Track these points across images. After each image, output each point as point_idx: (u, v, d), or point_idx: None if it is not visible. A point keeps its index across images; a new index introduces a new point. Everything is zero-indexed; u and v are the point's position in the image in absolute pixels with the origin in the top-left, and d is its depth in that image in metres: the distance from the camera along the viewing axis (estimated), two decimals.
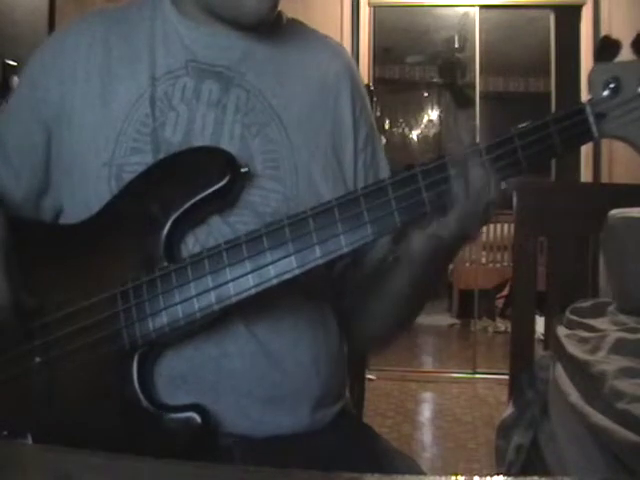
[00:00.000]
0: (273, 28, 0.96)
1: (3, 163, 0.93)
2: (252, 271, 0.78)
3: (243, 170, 0.84)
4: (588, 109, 0.78)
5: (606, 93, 0.78)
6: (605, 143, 3.70)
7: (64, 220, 0.92)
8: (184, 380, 0.83)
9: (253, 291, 0.78)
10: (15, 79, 2.65)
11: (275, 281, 0.78)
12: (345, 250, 0.78)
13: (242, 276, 0.78)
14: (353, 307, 0.98)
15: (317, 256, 0.78)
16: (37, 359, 0.81)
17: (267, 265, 0.78)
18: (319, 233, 0.78)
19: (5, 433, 0.80)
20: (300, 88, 0.94)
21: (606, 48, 0.80)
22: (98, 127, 0.88)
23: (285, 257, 0.78)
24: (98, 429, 0.81)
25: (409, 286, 0.89)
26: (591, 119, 0.77)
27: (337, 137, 0.95)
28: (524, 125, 0.78)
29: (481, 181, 0.77)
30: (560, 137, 0.77)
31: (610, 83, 0.78)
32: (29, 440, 0.80)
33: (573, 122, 0.78)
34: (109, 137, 0.87)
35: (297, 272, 0.78)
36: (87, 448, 0.63)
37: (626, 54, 0.79)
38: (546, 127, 0.77)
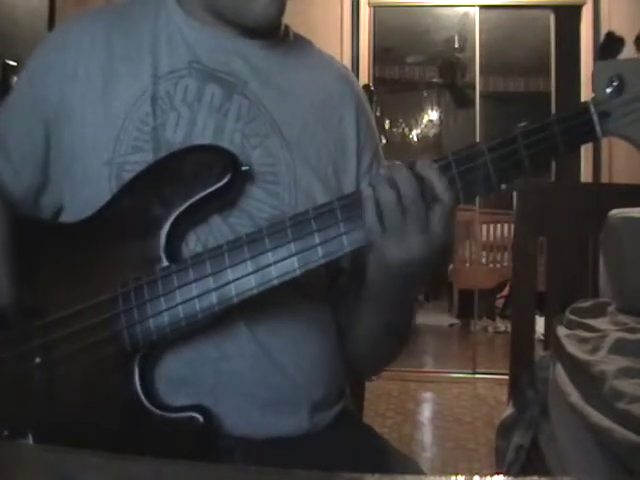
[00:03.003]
0: (279, 41, 0.96)
1: (3, 159, 0.92)
2: (254, 271, 0.78)
3: (244, 168, 0.83)
4: (592, 108, 0.76)
5: (609, 91, 0.76)
6: (605, 143, 3.70)
7: (64, 218, 0.91)
8: (184, 382, 0.83)
9: (255, 291, 0.78)
10: (15, 79, 2.65)
11: (277, 282, 0.77)
12: (347, 250, 0.78)
13: (244, 276, 0.78)
14: (344, 326, 0.98)
15: (319, 256, 0.77)
16: (37, 359, 0.80)
17: (269, 265, 0.77)
18: (321, 234, 0.77)
19: (6, 433, 0.80)
20: (303, 105, 0.94)
21: (610, 45, 0.79)
22: (99, 125, 0.87)
23: (287, 258, 0.77)
24: (99, 429, 0.81)
25: (377, 318, 0.91)
26: (595, 118, 0.76)
27: (339, 158, 0.95)
28: (526, 125, 0.77)
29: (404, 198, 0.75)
30: (563, 136, 0.76)
31: (614, 81, 0.76)
32: (29, 440, 0.79)
33: (577, 121, 0.76)
34: (110, 135, 0.86)
35: (299, 272, 0.77)
36: (88, 448, 0.62)
37: (628, 52, 0.79)
38: (549, 127, 0.76)
